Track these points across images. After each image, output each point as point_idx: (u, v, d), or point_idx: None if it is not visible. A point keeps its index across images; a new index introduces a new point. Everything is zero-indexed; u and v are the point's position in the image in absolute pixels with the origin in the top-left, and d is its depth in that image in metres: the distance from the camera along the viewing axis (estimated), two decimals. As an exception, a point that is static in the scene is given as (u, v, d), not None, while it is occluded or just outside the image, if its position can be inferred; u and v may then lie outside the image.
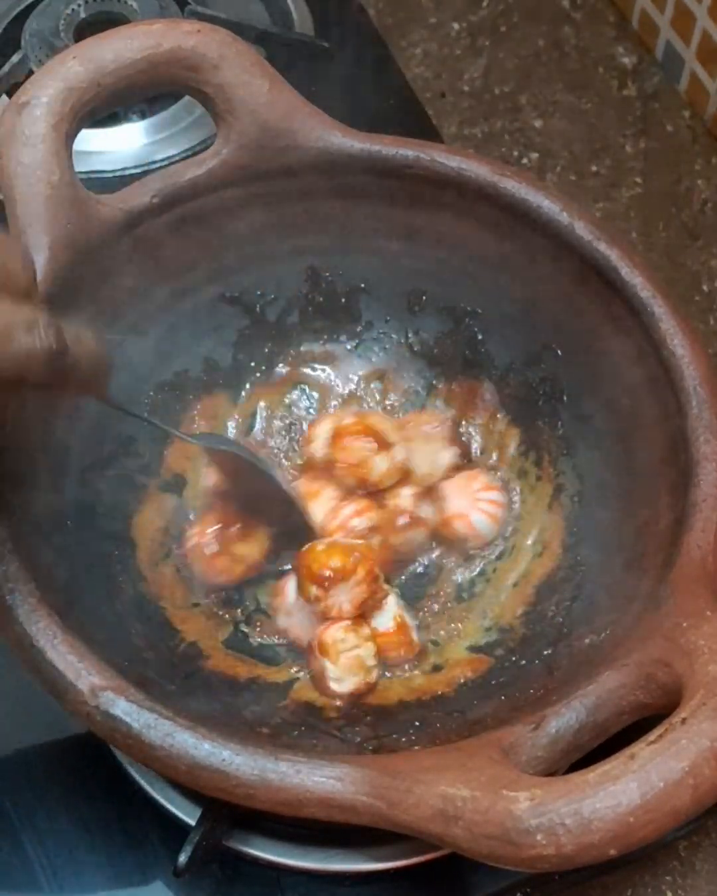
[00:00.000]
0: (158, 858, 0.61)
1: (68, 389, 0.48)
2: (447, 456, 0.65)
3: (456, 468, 0.65)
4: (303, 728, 0.56)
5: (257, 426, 0.68)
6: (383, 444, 0.63)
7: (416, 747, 0.53)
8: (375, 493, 0.64)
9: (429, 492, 0.64)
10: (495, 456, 0.66)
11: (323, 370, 0.69)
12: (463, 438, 0.67)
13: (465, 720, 0.55)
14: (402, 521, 0.63)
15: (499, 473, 0.66)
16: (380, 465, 0.63)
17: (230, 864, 0.60)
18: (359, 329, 0.69)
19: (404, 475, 0.64)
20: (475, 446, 0.67)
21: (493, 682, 0.58)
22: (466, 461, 0.66)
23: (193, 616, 0.61)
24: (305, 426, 0.68)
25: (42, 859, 0.61)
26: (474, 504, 0.63)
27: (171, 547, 0.63)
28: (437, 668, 0.61)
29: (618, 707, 0.47)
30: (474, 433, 0.67)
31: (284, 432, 0.68)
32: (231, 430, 0.67)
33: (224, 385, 0.68)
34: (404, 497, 0.64)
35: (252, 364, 0.68)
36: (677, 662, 0.46)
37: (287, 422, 0.68)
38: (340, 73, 0.81)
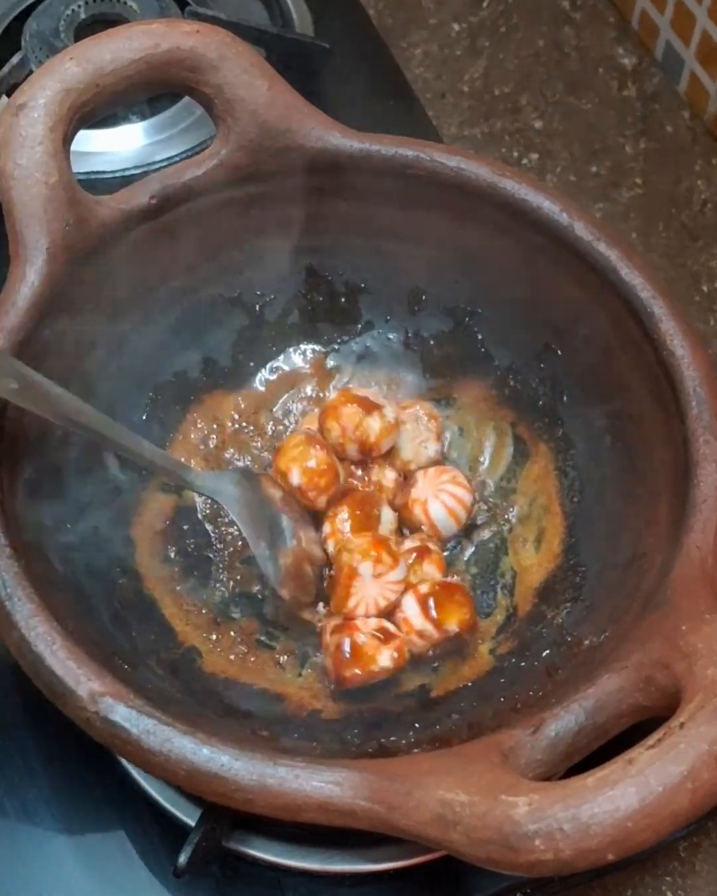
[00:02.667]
0: (158, 858, 0.61)
1: None
2: (432, 449, 0.66)
3: (434, 462, 0.66)
4: (302, 731, 0.56)
5: (256, 426, 0.68)
6: (371, 407, 0.64)
7: (415, 750, 0.53)
8: (366, 464, 0.65)
9: (406, 477, 0.65)
10: (494, 456, 0.66)
11: (323, 370, 0.69)
12: (464, 438, 0.67)
13: (464, 722, 0.55)
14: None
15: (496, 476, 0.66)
16: (373, 425, 0.63)
17: (230, 864, 0.60)
18: (359, 329, 0.69)
19: (393, 452, 0.65)
20: (474, 445, 0.67)
21: (492, 684, 0.58)
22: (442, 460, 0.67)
23: (192, 618, 0.61)
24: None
25: (42, 858, 0.61)
26: (436, 493, 0.64)
27: (169, 549, 0.63)
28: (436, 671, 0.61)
29: (617, 710, 0.47)
30: (474, 433, 0.67)
31: (283, 432, 0.68)
32: (230, 430, 0.67)
33: (224, 385, 0.68)
34: (388, 479, 0.65)
35: (252, 364, 0.68)
36: (676, 665, 0.46)
37: (286, 422, 0.68)
38: (340, 74, 0.81)
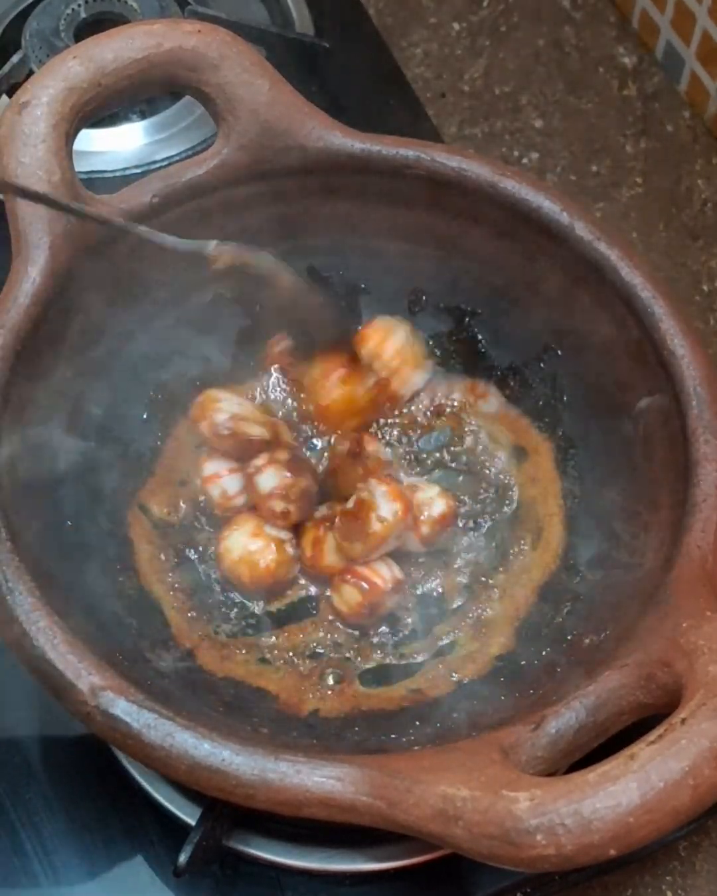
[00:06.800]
0: (158, 858, 0.61)
1: None
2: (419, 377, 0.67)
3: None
4: (302, 729, 0.56)
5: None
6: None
7: (416, 747, 0.53)
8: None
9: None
10: (493, 456, 0.66)
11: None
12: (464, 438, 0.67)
13: (464, 721, 0.55)
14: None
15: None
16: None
17: (230, 864, 0.60)
18: (359, 329, 0.69)
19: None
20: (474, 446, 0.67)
21: (492, 683, 0.58)
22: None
23: (191, 617, 0.61)
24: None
25: (42, 858, 0.61)
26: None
27: (168, 548, 0.63)
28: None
29: (618, 707, 0.47)
30: (474, 433, 0.67)
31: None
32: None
33: (224, 384, 0.67)
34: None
35: (252, 364, 0.68)
36: (677, 662, 0.46)
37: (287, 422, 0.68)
38: (341, 73, 0.81)
